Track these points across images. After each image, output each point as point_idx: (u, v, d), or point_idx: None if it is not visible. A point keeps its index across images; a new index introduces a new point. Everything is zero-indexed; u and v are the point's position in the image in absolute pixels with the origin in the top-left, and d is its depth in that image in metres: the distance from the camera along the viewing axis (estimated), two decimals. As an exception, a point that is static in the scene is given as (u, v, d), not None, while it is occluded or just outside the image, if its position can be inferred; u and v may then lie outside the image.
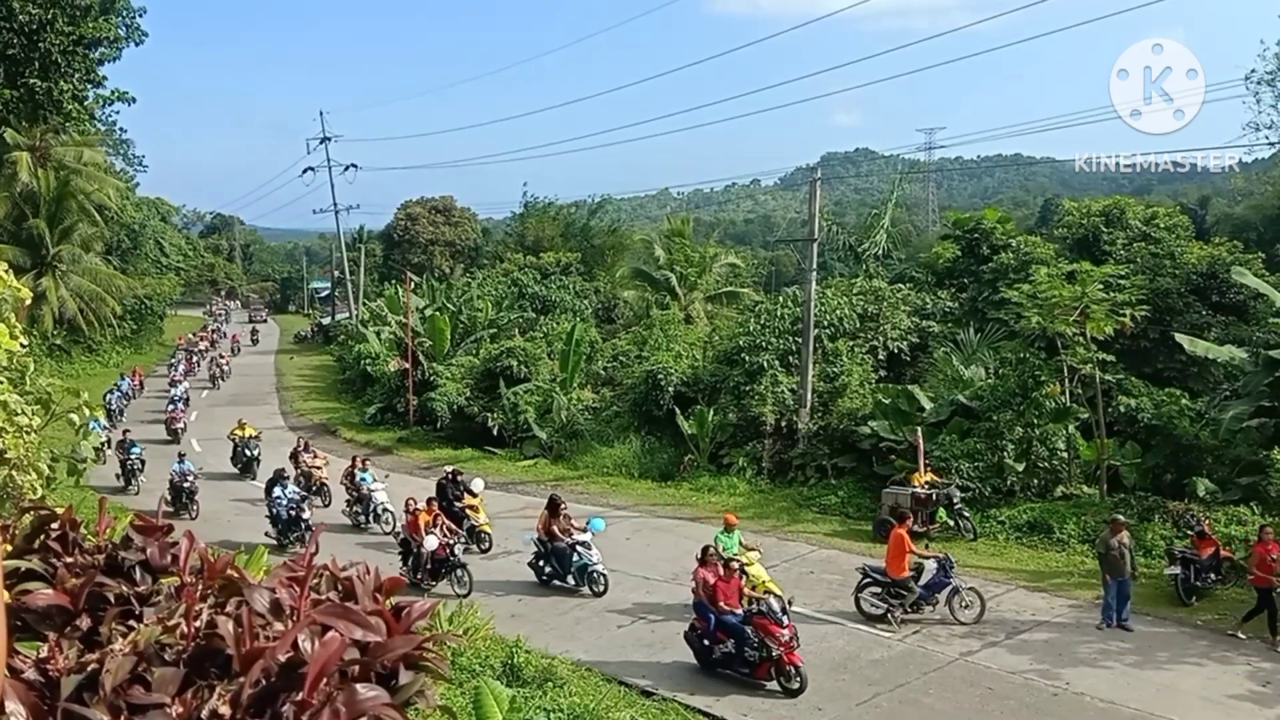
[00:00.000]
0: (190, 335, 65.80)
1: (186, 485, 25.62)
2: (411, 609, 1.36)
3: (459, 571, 18.63)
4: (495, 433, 34.08)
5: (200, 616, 1.28)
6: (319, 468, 27.06)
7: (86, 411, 6.19)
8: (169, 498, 25.27)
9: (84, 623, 1.34)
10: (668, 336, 37.03)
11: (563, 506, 19.58)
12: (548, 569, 18.88)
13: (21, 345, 5.53)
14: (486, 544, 21.41)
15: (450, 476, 23.16)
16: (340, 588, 1.39)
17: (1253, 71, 32.84)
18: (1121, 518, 17.09)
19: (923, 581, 16.20)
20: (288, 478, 23.67)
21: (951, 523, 21.75)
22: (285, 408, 45.91)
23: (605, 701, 11.91)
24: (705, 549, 15.42)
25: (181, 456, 27.01)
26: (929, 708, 13.40)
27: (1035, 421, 23.43)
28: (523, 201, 68.54)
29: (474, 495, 22.12)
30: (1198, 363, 25.92)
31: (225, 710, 1.10)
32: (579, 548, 18.47)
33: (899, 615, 16.09)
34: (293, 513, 22.16)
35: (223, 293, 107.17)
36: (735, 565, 15.06)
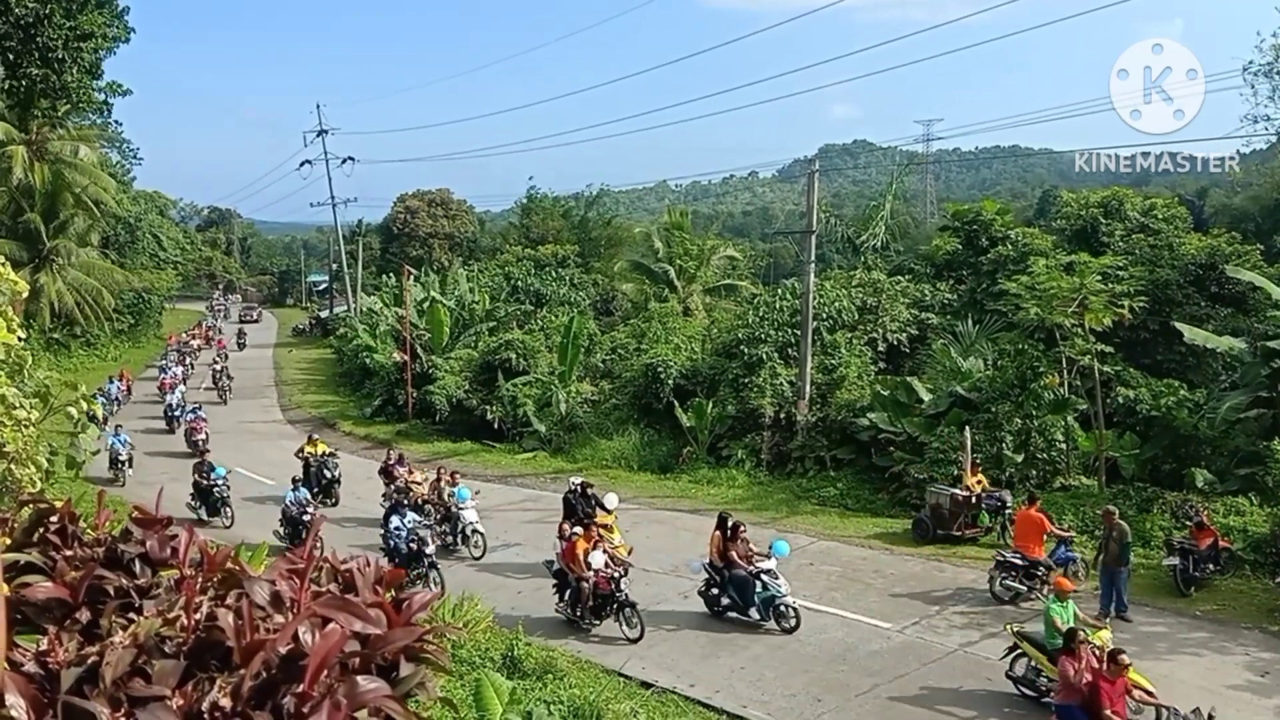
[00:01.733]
0: (183, 334, 62.40)
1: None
2: (411, 601, 1.35)
3: (627, 610, 15.75)
4: (494, 425, 34.08)
5: (200, 609, 1.27)
6: (418, 483, 23.12)
7: (85, 405, 6.19)
8: (282, 531, 21.99)
9: (84, 615, 1.33)
10: (666, 329, 37.03)
11: (741, 529, 16.71)
12: (724, 599, 16.33)
13: (19, 339, 5.53)
14: (623, 573, 16.55)
15: (579, 490, 19.54)
16: (340, 580, 1.39)
17: (1250, 63, 32.78)
18: (1113, 508, 17.11)
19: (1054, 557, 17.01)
20: (406, 504, 19.96)
21: (996, 528, 20.64)
22: (284, 401, 45.88)
23: (605, 693, 11.92)
24: (1073, 635, 11.46)
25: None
26: (928, 699, 13.43)
27: (1034, 413, 23.44)
28: (527, 194, 68.35)
29: (608, 512, 18.47)
30: (1196, 354, 25.93)
31: (226, 702, 1.10)
32: (764, 576, 15.89)
33: (1041, 593, 16.15)
34: (413, 545, 18.15)
35: (221, 286, 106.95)
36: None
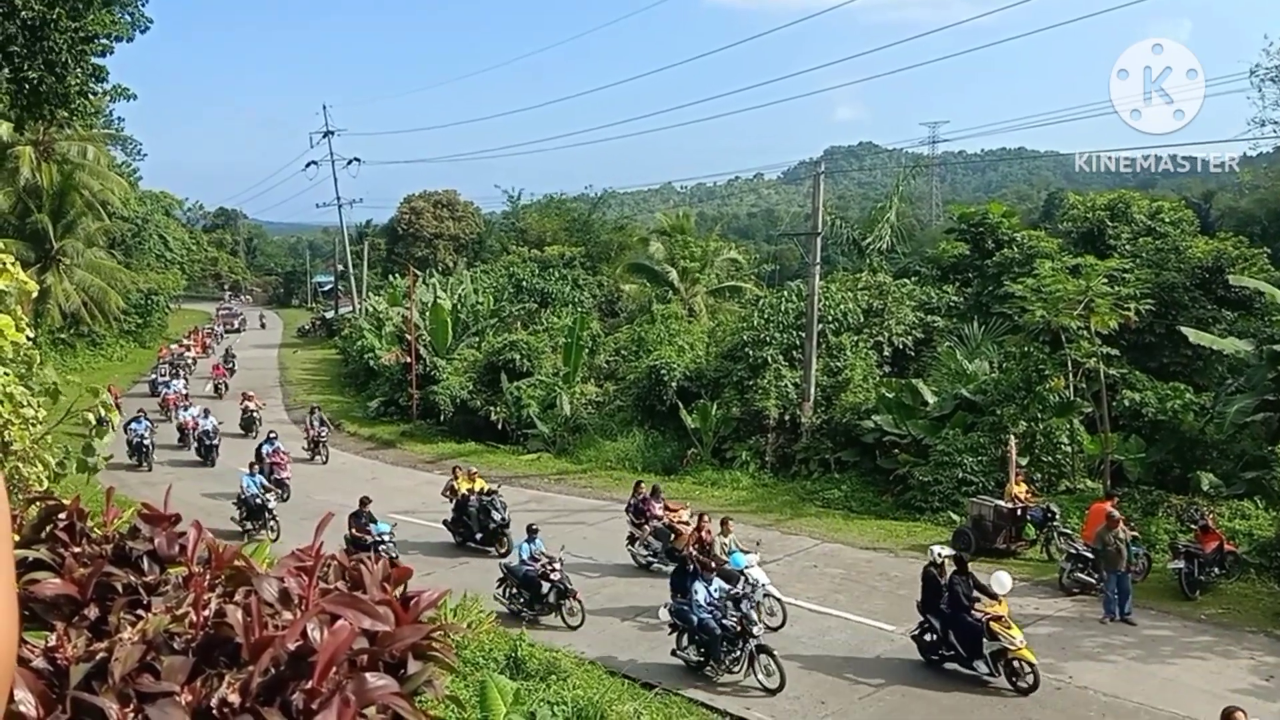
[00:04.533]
0: (177, 344, 56.36)
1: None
2: (419, 599, 1.35)
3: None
4: (499, 427, 34.10)
5: (209, 606, 1.28)
6: (684, 522, 19.00)
7: (103, 410, 6.21)
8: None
9: (92, 612, 1.34)
10: (670, 331, 36.98)
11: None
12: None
13: (28, 338, 5.55)
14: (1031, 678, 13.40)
15: (959, 564, 14.32)
16: (348, 577, 1.39)
17: (1257, 66, 32.69)
18: (1117, 512, 17.13)
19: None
20: (709, 577, 14.68)
21: (1041, 541, 19.79)
22: (289, 401, 45.96)
23: (608, 695, 11.93)
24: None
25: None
26: (932, 701, 13.42)
27: (1039, 415, 23.42)
28: (508, 198, 68.75)
29: (995, 599, 13.86)
30: (1203, 357, 25.88)
31: (235, 698, 1.10)
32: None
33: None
34: (732, 623, 13.77)
35: (226, 287, 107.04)
36: None
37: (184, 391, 40.22)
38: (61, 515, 1.57)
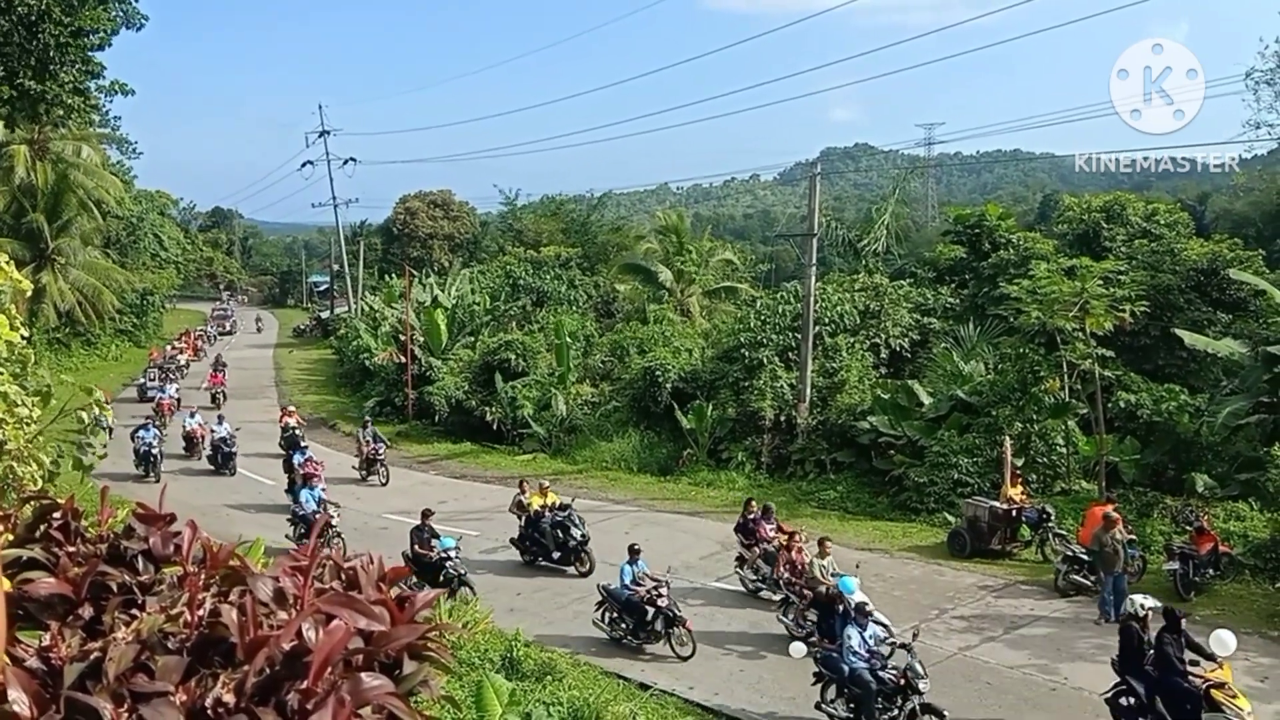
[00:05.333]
0: (169, 346, 55.54)
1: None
2: (415, 599, 1.35)
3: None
4: (494, 427, 34.06)
5: (203, 605, 1.27)
6: (800, 550, 16.62)
7: (97, 410, 6.20)
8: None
9: (86, 611, 1.33)
10: (664, 333, 36.90)
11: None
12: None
13: (22, 337, 5.54)
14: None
15: (1169, 619, 12.09)
16: (344, 577, 1.39)
17: (1253, 69, 32.78)
18: (1114, 513, 17.16)
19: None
20: (863, 621, 12.75)
21: (1036, 542, 19.95)
22: (284, 401, 45.88)
23: (604, 695, 11.91)
24: None
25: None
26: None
27: (1034, 417, 23.45)
28: (505, 200, 68.68)
29: (1217, 663, 12.11)
30: (1198, 359, 25.93)
31: (229, 698, 1.10)
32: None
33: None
34: (891, 676, 12.23)
35: (223, 286, 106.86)
36: None
37: (176, 397, 38.45)
38: (56, 514, 1.57)
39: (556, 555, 19.35)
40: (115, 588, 1.38)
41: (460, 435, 35.14)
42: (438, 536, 17.70)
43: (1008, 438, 22.16)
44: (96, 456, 5.89)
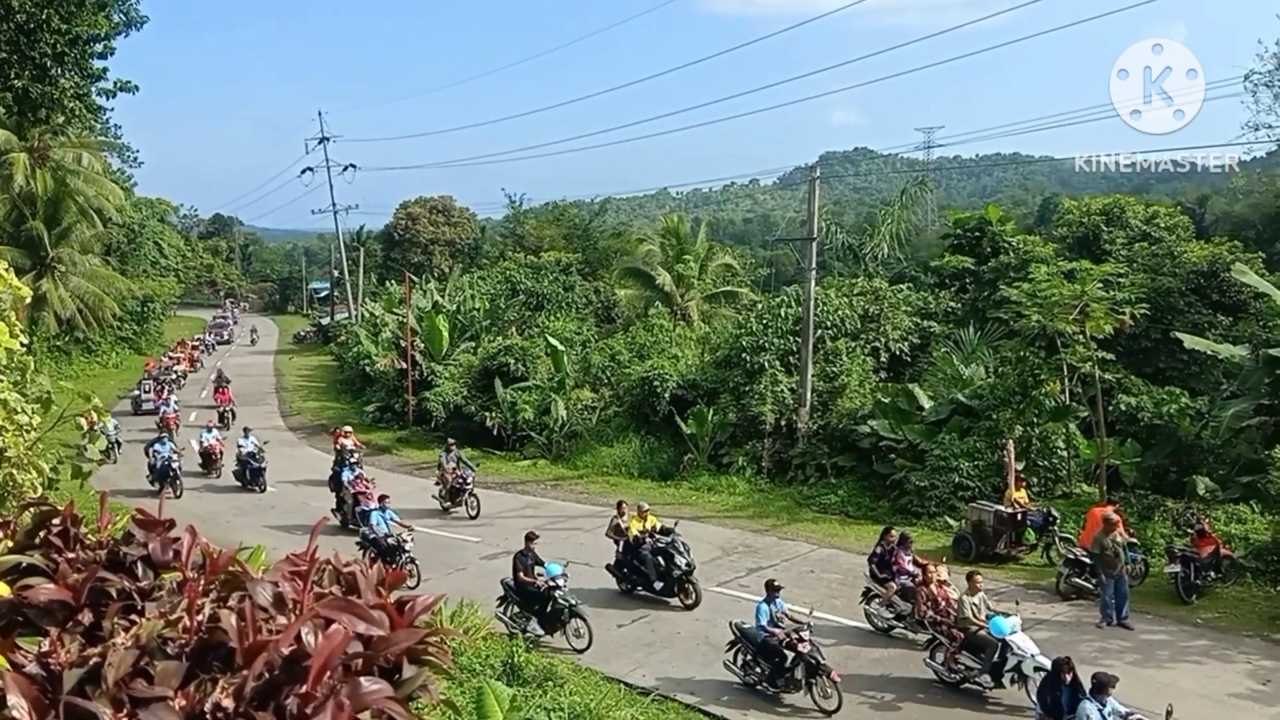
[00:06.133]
0: (165, 357, 53.30)
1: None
2: (414, 603, 1.35)
3: None
4: (494, 432, 34.03)
5: (203, 610, 1.27)
6: (943, 582, 15.13)
7: (95, 416, 6.19)
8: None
9: (86, 617, 1.33)
10: (661, 339, 36.76)
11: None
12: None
13: (22, 344, 5.54)
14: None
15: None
16: (343, 582, 1.39)
17: (1252, 72, 32.82)
18: (1115, 516, 17.15)
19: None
20: (1103, 699, 11.02)
21: (1042, 546, 19.78)
22: (285, 408, 45.88)
23: (605, 700, 11.91)
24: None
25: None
26: (929, 706, 13.40)
27: (1035, 420, 23.44)
28: (509, 204, 68.69)
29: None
30: (1199, 362, 25.93)
31: (229, 703, 1.10)
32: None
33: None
34: None
35: (223, 293, 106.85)
36: None
37: (175, 411, 36.20)
38: (55, 521, 1.57)
39: (659, 586, 17.70)
40: (115, 593, 1.38)
41: (460, 441, 35.05)
42: (541, 563, 16.18)
43: (1010, 441, 22.12)
44: (95, 463, 5.88)
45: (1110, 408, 23.52)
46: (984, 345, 29.02)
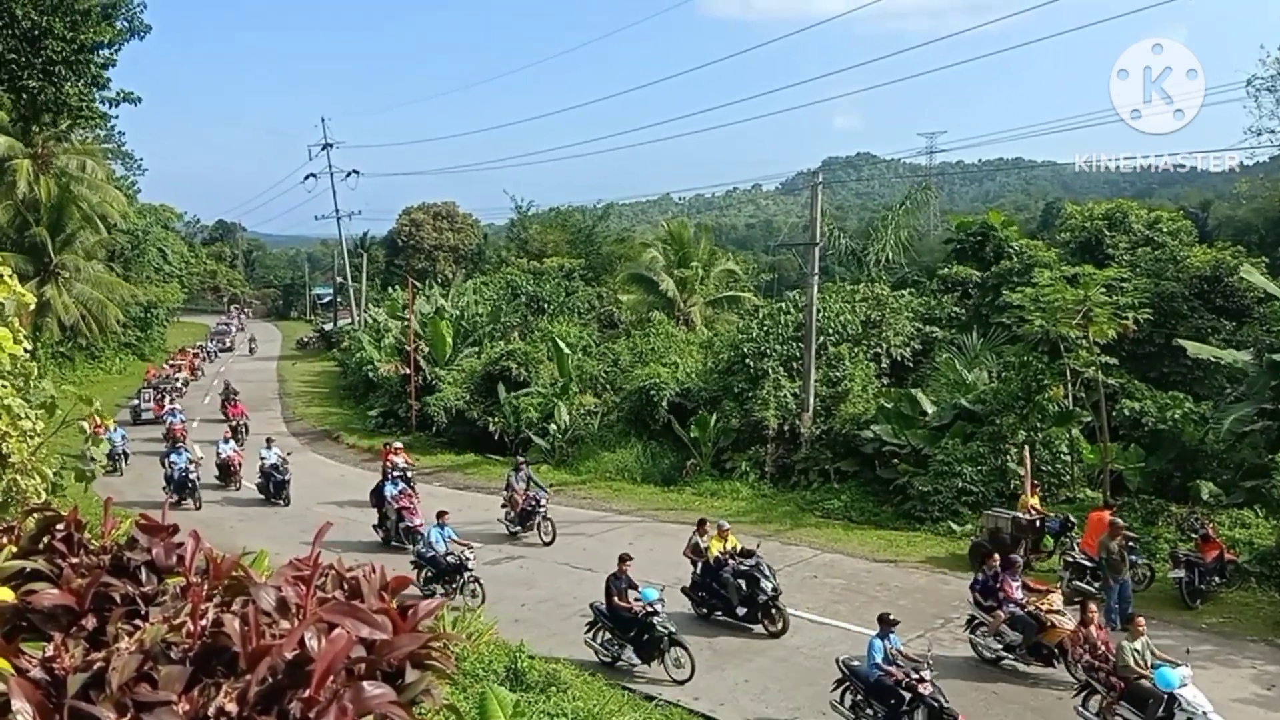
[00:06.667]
0: (166, 365, 52.32)
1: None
2: (417, 608, 1.35)
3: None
4: (496, 437, 34.03)
5: (206, 615, 1.28)
6: (1056, 612, 14.47)
7: (100, 420, 6.22)
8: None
9: (90, 622, 1.34)
10: (659, 345, 36.69)
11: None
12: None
13: (26, 350, 5.55)
14: None
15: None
16: (346, 586, 1.39)
17: (1253, 77, 32.87)
18: (1120, 521, 17.13)
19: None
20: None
21: (1059, 552, 19.33)
22: (288, 413, 45.94)
23: (609, 706, 11.89)
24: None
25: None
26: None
27: (1038, 425, 23.40)
28: (515, 208, 68.75)
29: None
30: (1202, 366, 25.91)
31: (232, 707, 1.10)
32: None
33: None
34: None
35: (226, 299, 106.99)
36: None
37: (182, 421, 35.02)
38: (59, 526, 1.57)
39: (743, 611, 16.41)
40: (118, 598, 1.38)
41: (463, 446, 35.10)
42: (635, 586, 15.15)
43: (1028, 447, 22.07)
44: (99, 466, 5.90)
45: (1114, 413, 23.50)
46: (987, 350, 29.00)
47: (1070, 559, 17.80)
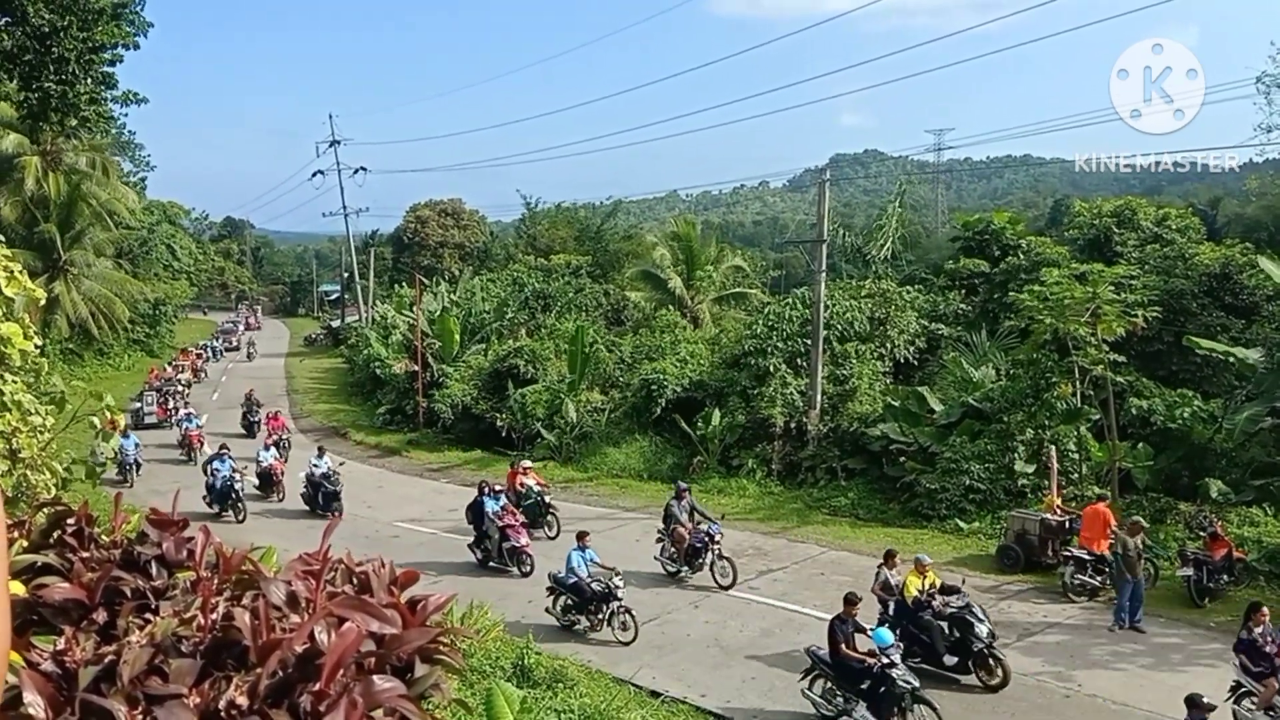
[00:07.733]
0: (169, 366, 49.81)
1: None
2: (427, 602, 1.36)
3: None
4: (504, 434, 34.07)
5: (217, 609, 1.28)
6: None
7: (108, 415, 6.24)
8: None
9: (100, 616, 1.34)
10: (671, 341, 36.74)
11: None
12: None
13: (36, 346, 5.58)
14: None
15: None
16: (356, 581, 1.39)
17: (1264, 74, 32.69)
18: (1142, 520, 17.16)
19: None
20: None
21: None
22: (296, 410, 46.05)
23: (616, 703, 11.90)
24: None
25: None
26: (941, 708, 13.34)
27: (1046, 423, 23.34)
28: (524, 205, 68.77)
29: None
30: (1212, 364, 25.80)
31: (243, 700, 1.11)
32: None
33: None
34: None
35: (234, 296, 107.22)
36: None
37: (199, 428, 33.86)
38: (70, 521, 1.58)
39: (952, 661, 14.03)
40: (129, 592, 1.39)
41: (470, 442, 35.16)
42: (863, 629, 13.01)
43: (1053, 447, 21.96)
44: (109, 460, 5.92)
45: (1122, 411, 23.42)
46: (995, 348, 28.93)
47: (1069, 554, 17.82)
